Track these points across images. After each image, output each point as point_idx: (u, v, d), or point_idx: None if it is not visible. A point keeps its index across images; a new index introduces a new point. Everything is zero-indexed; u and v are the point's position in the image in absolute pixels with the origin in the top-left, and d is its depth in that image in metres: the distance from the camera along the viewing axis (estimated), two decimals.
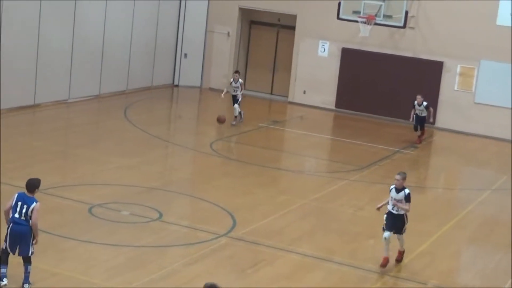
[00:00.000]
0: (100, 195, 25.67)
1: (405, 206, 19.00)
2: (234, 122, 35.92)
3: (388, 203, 19.24)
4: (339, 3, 39.49)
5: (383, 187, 28.41)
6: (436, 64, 39.64)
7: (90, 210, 23.72)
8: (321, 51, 42.40)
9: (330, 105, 42.12)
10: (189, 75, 45.36)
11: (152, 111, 41.85)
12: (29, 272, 17.04)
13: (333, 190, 28.64)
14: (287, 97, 43.90)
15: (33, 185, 17.39)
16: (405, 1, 38.90)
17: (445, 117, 39.77)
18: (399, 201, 18.93)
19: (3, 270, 16.74)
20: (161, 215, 24.02)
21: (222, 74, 45.03)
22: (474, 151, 37.86)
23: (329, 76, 42.19)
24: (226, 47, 45.49)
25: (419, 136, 35.51)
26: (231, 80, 36.24)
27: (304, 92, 42.89)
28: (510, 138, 38.09)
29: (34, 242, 17.17)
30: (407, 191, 18.97)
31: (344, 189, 29.13)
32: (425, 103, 33.99)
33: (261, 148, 35.15)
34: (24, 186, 17.24)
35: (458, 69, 39.28)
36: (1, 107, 34.91)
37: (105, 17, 42.00)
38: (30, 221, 16.98)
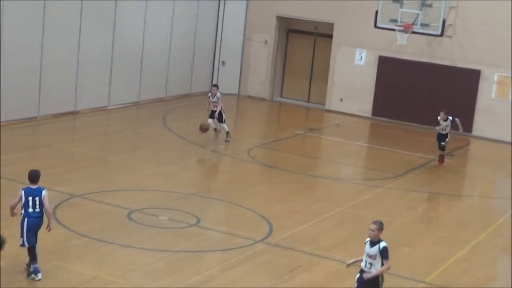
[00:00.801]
0: (139, 200, 25.77)
1: (380, 268, 15.88)
2: (228, 138, 33.89)
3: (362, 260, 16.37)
4: (376, 12, 39.57)
5: (419, 195, 30.16)
6: (473, 73, 39.59)
7: (129, 215, 23.96)
8: (358, 59, 42.50)
9: (367, 113, 42.15)
10: (227, 83, 44.63)
11: (190, 118, 40.93)
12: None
13: (368, 198, 28.76)
14: (324, 105, 43.83)
15: (36, 175, 17.93)
16: (442, 10, 38.81)
17: (482, 125, 39.72)
18: (372, 256, 15.93)
19: (35, 266, 17.05)
20: (198, 220, 24.12)
21: (259, 82, 45.60)
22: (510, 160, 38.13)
23: (366, 84, 42.37)
24: (263, 55, 45.52)
25: (441, 156, 32.99)
26: (209, 94, 34.66)
27: (341, 100, 42.91)
28: None
29: (48, 229, 17.61)
30: (382, 244, 15.75)
31: (379, 197, 29.12)
32: (450, 118, 32.35)
33: (298, 155, 35.18)
34: (32, 181, 17.42)
35: (495, 78, 39.12)
36: (42, 114, 35.31)
37: (144, 25, 42.07)
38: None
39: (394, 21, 39.09)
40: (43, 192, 17.72)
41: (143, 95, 42.21)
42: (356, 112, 42.43)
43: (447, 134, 32.79)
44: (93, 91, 39.19)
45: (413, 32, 39.04)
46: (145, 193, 27.02)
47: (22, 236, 17.56)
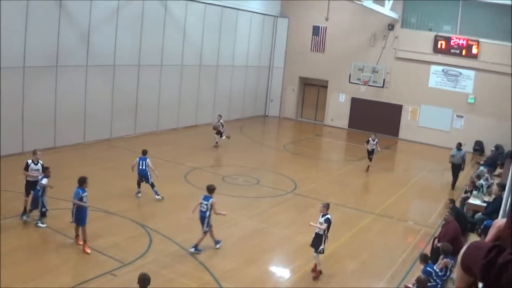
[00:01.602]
0: (228, 170, 31.30)
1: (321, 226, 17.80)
2: (217, 145, 36.42)
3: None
4: (350, 74, 46.71)
5: (371, 170, 34.85)
6: (398, 106, 46.52)
7: (223, 178, 29.29)
8: (340, 99, 49.04)
9: (345, 126, 48.80)
10: (273, 110, 52.69)
11: (254, 129, 46.47)
12: None
13: (346, 170, 34.30)
14: (323, 121, 50.35)
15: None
16: (383, 73, 45.95)
17: (403, 133, 46.48)
18: (321, 223, 17.78)
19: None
20: (258, 181, 29.50)
21: (290, 110, 52.04)
22: (420, 151, 43.27)
23: (345, 111, 48.82)
24: (292, 96, 51.90)
25: (368, 166, 34.36)
26: (216, 120, 37.01)
27: (332, 119, 49.72)
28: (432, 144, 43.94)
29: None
30: (326, 216, 17.80)
31: (351, 170, 34.40)
32: (376, 139, 34.02)
33: (310, 148, 41.16)
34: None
35: (410, 109, 46.08)
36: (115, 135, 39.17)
37: (245, 85, 47.89)
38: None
39: (359, 79, 46.59)
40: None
41: (230, 116, 47.17)
42: (339, 126, 48.96)
43: (373, 150, 33.99)
44: (191, 110, 44.62)
45: (369, 85, 46.30)
46: (230, 167, 32.33)
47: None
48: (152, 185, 25.17)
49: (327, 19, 46.39)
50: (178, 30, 40.62)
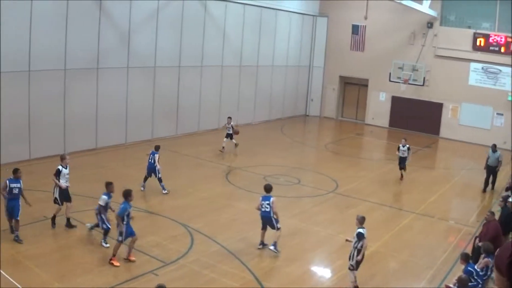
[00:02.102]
0: (269, 170, 30.81)
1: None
2: (223, 150, 34.20)
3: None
4: (390, 73, 46.05)
5: (412, 168, 33.70)
6: (439, 104, 45.99)
7: (264, 178, 28.72)
8: (381, 97, 48.76)
9: (386, 125, 48.49)
10: (314, 109, 52.56)
11: (295, 129, 46.57)
12: None
13: (387, 169, 33.35)
14: (364, 120, 50.16)
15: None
16: (423, 72, 45.12)
17: (444, 131, 45.95)
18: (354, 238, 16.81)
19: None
20: (299, 181, 29.39)
21: (330, 109, 51.88)
22: (460, 149, 42.24)
23: (385, 110, 48.57)
24: (332, 95, 51.64)
25: (402, 175, 31.26)
26: (226, 123, 35.24)
27: (373, 118, 49.45)
28: (473, 142, 42.98)
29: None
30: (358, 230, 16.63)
31: (392, 168, 32.39)
32: (407, 146, 30.95)
33: (350, 147, 40.73)
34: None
35: (450, 107, 45.47)
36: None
37: (285, 84, 47.87)
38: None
39: (399, 78, 45.83)
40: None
41: (271, 115, 48.32)
42: (380, 125, 48.74)
43: (405, 158, 31.00)
44: (245, 109, 45.29)
45: (409, 83, 45.48)
46: (272, 167, 31.87)
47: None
48: (160, 180, 25.60)
49: (366, 18, 46.82)
50: (218, 31, 40.74)
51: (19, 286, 15.51)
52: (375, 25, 47.95)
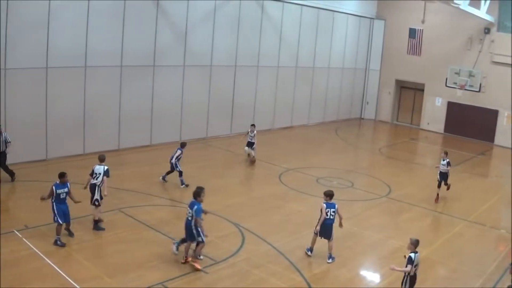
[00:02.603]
0: (322, 172, 30.66)
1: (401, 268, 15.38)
2: (249, 160, 31.70)
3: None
4: (446, 78, 45.53)
5: (467, 175, 29.44)
6: (494, 111, 45.07)
7: (317, 180, 29.02)
8: (437, 102, 47.96)
9: (441, 131, 47.71)
10: (369, 113, 52.32)
11: (349, 132, 46.03)
12: None
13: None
14: (419, 125, 49.56)
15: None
16: (479, 78, 44.34)
17: (499, 139, 44.94)
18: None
19: None
20: (352, 184, 29.14)
21: (386, 113, 51.59)
22: None
23: (441, 115, 47.82)
24: (388, 99, 51.32)
25: (438, 194, 27.43)
26: (249, 130, 31.76)
27: (428, 123, 48.81)
28: None
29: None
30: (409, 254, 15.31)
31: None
32: (447, 160, 27.42)
33: (405, 152, 40.17)
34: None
35: (505, 114, 44.36)
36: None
37: (341, 86, 47.73)
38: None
39: (455, 83, 45.22)
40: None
41: (326, 117, 48.28)
42: (435, 130, 48.00)
43: (446, 173, 27.55)
44: (285, 113, 46.03)
45: (465, 89, 44.93)
46: (325, 169, 31.60)
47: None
48: (180, 173, 25.79)
49: (423, 22, 45.91)
50: (274, 31, 40.70)
51: (68, 278, 15.63)
52: (432, 29, 47.28)
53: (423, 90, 49.34)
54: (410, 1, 46.93)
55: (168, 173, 26.11)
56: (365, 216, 23.87)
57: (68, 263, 16.85)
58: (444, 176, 27.51)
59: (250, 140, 31.67)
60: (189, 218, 17.58)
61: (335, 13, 45.87)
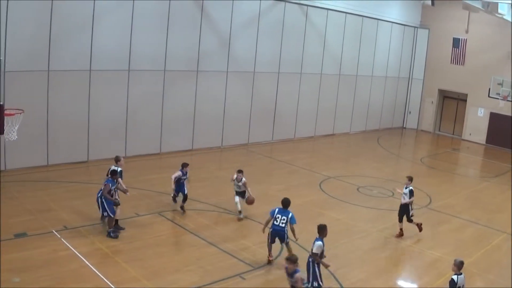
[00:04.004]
0: (363, 181, 30.58)
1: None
2: (241, 216, 22.66)
3: None
4: (489, 89, 44.71)
5: (506, 186, 32.75)
6: None
7: (357, 189, 28.92)
8: (479, 113, 47.16)
9: (483, 141, 46.99)
10: (411, 122, 51.84)
11: (391, 141, 45.61)
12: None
13: (481, 187, 32.40)
14: (461, 136, 48.69)
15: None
16: None
17: None
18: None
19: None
20: (393, 194, 28.26)
21: (428, 122, 50.97)
22: None
23: (483, 126, 47.01)
24: (430, 109, 50.65)
25: (401, 229, 22.39)
26: (235, 177, 22.95)
27: (470, 134, 48.03)
28: None
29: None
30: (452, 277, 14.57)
31: (486, 186, 32.41)
32: (410, 188, 22.50)
33: (446, 162, 39.37)
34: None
35: None
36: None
37: (371, 89, 47.53)
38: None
39: (498, 94, 44.47)
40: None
41: (369, 126, 48.24)
42: (477, 141, 47.27)
43: (407, 205, 22.42)
44: (328, 120, 45.67)
45: (507, 100, 44.10)
46: (365, 178, 31.46)
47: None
48: (185, 198, 22.66)
49: (467, 31, 45.72)
50: (318, 39, 40.58)
51: (106, 280, 15.73)
52: (475, 39, 46.79)
53: (465, 100, 48.63)
54: (454, 11, 46.48)
55: (174, 198, 23.20)
56: (405, 226, 23.11)
57: (106, 264, 16.89)
58: (405, 209, 22.55)
59: (238, 190, 23.21)
60: (281, 225, 18.22)
61: (379, 21, 45.61)
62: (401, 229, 22.33)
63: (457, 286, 14.64)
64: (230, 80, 35.02)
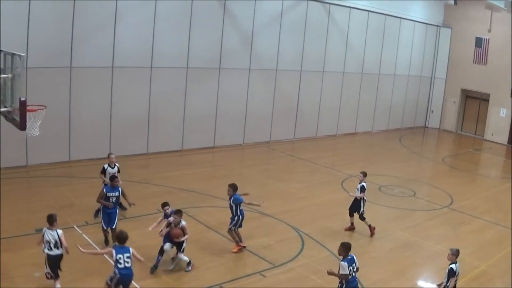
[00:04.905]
0: (385, 180, 30.40)
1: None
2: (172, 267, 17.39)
3: None
4: (511, 89, 43.96)
5: None
6: None
7: (379, 188, 28.77)
8: (501, 113, 46.68)
9: (505, 142, 46.42)
10: (433, 122, 51.53)
11: (413, 140, 45.48)
12: None
13: (504, 187, 31.76)
14: (483, 136, 48.31)
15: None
16: None
17: None
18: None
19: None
20: (414, 193, 28.55)
21: (450, 122, 50.49)
22: None
23: (505, 126, 46.55)
24: (453, 108, 50.28)
25: (352, 224, 21.87)
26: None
27: (492, 134, 47.65)
28: None
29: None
30: (450, 266, 14.76)
31: (508, 186, 31.71)
32: (364, 184, 21.88)
33: (469, 163, 39.26)
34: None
35: None
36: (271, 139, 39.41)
37: (394, 88, 47.32)
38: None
39: None
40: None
41: (391, 125, 47.99)
42: (499, 141, 46.83)
43: (359, 201, 21.77)
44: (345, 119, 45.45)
45: None
46: (387, 177, 31.21)
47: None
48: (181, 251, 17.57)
49: (489, 31, 45.46)
50: (340, 37, 40.48)
51: None
52: (498, 38, 46.31)
53: (488, 100, 48.17)
54: (477, 10, 46.33)
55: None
56: (426, 226, 23.39)
57: None
58: (356, 205, 21.87)
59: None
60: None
61: (402, 19, 45.36)
62: (352, 224, 21.87)
63: (456, 273, 14.79)
64: (252, 78, 35.08)
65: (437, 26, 49.85)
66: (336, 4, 39.02)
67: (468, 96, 50.41)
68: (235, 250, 18.52)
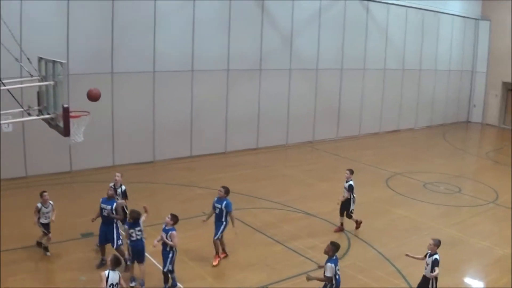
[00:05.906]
0: (429, 177, 29.87)
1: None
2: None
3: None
4: None
5: None
6: None
7: (424, 185, 28.31)
8: None
9: None
10: (476, 116, 50.65)
11: (457, 135, 44.79)
12: None
13: None
14: None
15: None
16: None
17: None
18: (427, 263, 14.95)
19: None
20: (460, 189, 27.95)
21: (493, 116, 49.48)
22: None
23: None
24: (495, 102, 49.42)
25: (342, 224, 20.78)
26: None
27: None
28: None
29: None
30: (435, 256, 14.79)
31: None
32: (351, 182, 20.80)
33: (508, 156, 36.76)
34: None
35: None
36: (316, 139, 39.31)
37: (435, 83, 46.65)
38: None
39: None
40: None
41: (434, 121, 47.39)
42: None
43: (349, 200, 20.79)
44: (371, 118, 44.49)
45: None
46: (432, 174, 30.75)
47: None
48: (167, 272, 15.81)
49: None
50: (380, 34, 40.25)
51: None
52: None
53: None
54: None
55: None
56: (472, 222, 23.04)
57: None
58: (346, 205, 20.93)
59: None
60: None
61: (440, 14, 44.88)
62: (341, 224, 20.92)
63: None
64: (293, 78, 34.99)
65: (476, 19, 49.16)
66: (374, 1, 38.76)
67: (510, 89, 49.31)
68: (215, 263, 17.30)
